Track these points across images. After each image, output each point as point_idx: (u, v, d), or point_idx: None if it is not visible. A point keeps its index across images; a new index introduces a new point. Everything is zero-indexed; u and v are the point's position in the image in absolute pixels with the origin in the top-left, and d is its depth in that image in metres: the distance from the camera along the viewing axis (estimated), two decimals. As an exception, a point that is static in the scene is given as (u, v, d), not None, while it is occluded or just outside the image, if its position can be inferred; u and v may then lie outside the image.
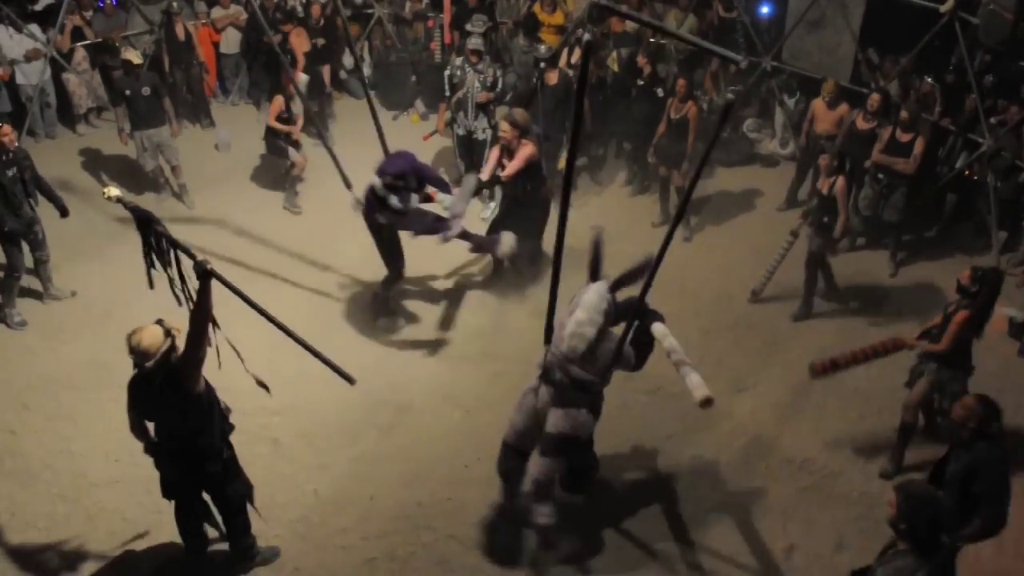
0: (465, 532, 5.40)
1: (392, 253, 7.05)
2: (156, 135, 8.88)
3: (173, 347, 4.33)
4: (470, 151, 9.07)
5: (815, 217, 7.33)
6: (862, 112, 8.34)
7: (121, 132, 8.97)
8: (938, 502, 3.69)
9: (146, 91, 8.66)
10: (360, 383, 6.50)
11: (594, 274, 5.18)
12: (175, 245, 4.54)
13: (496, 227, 7.46)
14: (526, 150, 7.11)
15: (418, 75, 11.26)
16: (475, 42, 8.90)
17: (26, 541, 5.27)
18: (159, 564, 5.15)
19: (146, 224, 4.54)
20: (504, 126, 7.13)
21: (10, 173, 6.81)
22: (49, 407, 6.32)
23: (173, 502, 4.81)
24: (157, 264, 4.61)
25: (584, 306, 4.90)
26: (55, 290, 7.57)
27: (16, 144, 6.98)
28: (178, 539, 5.15)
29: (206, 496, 4.84)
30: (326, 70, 10.90)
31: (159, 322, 4.36)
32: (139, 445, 5.65)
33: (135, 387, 4.44)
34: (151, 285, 4.65)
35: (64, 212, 7.35)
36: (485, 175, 7.34)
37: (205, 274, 4.24)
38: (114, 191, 4.81)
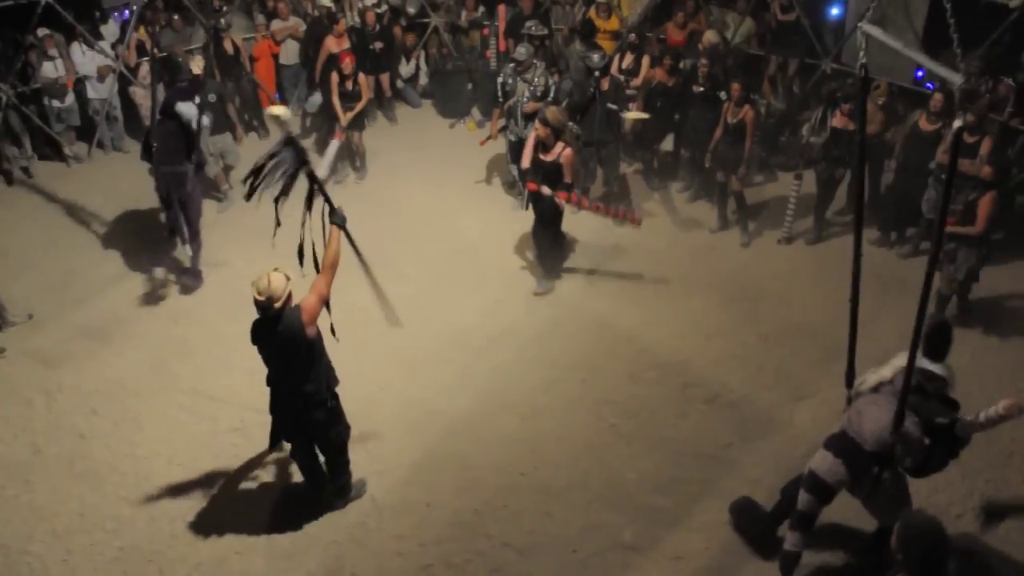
0: (520, 540, 5.38)
1: None
2: (220, 141, 9.21)
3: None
4: (521, 157, 9.09)
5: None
6: (925, 113, 8.13)
7: None
8: (941, 535, 3.52)
9: (212, 98, 8.89)
10: (415, 391, 6.63)
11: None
12: (321, 189, 5.04)
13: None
14: (566, 152, 7.42)
15: (474, 83, 11.32)
16: (519, 51, 8.93)
17: (94, 541, 5.43)
18: (218, 568, 5.25)
19: (300, 161, 4.89)
20: (537, 125, 7.48)
21: None
22: (115, 412, 6.49)
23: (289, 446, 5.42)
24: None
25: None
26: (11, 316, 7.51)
27: None
28: (238, 543, 5.27)
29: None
30: (384, 78, 11.05)
31: (276, 270, 4.81)
32: (201, 451, 5.84)
33: (258, 331, 4.90)
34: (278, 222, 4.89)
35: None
36: (524, 164, 7.82)
37: (342, 222, 5.08)
38: (279, 110, 5.33)
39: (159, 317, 7.64)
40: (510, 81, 8.92)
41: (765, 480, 5.80)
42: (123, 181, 9.85)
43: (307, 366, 4.94)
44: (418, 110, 11.83)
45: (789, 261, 8.48)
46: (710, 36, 9.74)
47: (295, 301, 4.87)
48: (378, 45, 10.79)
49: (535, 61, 9.05)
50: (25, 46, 9.88)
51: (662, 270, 8.26)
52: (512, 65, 9.00)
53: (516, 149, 9.02)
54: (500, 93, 9.07)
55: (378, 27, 10.88)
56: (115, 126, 10.67)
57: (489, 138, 9.64)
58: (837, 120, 8.37)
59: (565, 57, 10.75)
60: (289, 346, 4.84)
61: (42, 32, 9.72)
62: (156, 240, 8.57)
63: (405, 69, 11.37)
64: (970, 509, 5.55)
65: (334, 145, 7.55)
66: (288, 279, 4.79)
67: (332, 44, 10.35)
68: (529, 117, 8.87)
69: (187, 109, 7.49)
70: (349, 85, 9.56)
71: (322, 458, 5.44)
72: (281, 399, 5.12)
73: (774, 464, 5.95)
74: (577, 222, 9.21)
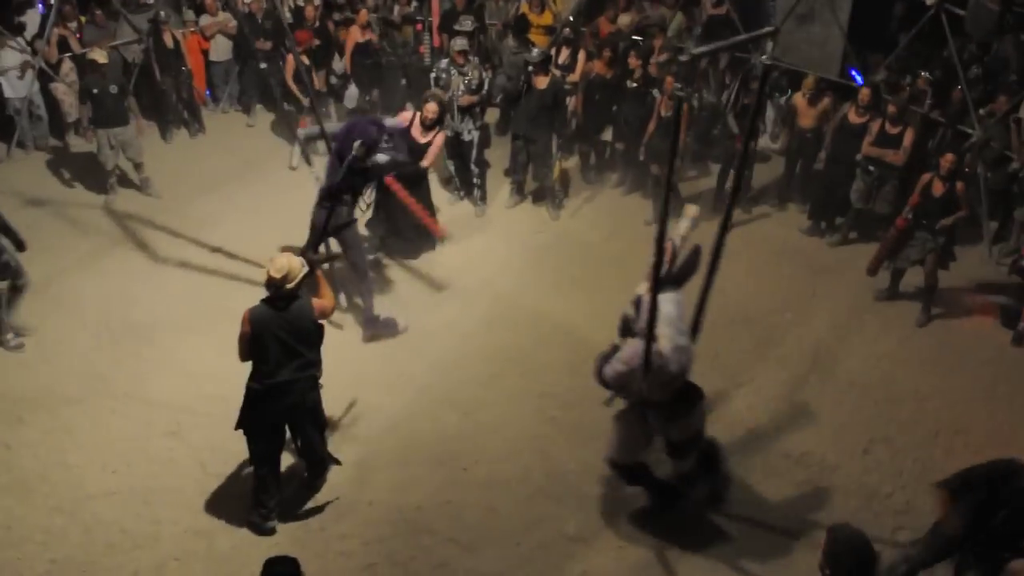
0: (464, 535, 5.39)
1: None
2: (121, 133, 8.98)
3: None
4: (458, 152, 9.10)
5: None
6: (854, 106, 8.37)
7: (86, 130, 9.25)
8: (867, 549, 3.45)
9: (113, 89, 8.80)
10: (355, 389, 6.58)
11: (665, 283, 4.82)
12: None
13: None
14: (439, 138, 8.02)
15: (408, 78, 11.24)
16: (460, 43, 8.92)
17: (23, 555, 5.24)
18: (158, 573, 5.13)
19: None
20: (429, 105, 7.82)
21: None
22: (45, 420, 6.28)
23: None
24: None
25: (673, 322, 4.76)
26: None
27: None
28: (177, 549, 5.16)
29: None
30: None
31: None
32: (136, 457, 5.68)
33: (263, 314, 5.00)
34: None
35: (21, 247, 6.94)
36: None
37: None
38: None
39: (87, 321, 7.41)
40: (444, 76, 8.90)
41: (703, 466, 5.91)
42: (45, 181, 9.56)
43: (313, 350, 5.20)
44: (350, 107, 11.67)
45: (723, 250, 8.61)
46: (623, 20, 9.89)
47: None
48: (315, 42, 10.64)
49: (470, 56, 9.04)
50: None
51: (598, 262, 8.35)
52: (446, 60, 8.98)
53: (452, 144, 9.00)
54: (433, 87, 9.03)
55: (316, 23, 10.73)
56: (39, 125, 10.30)
57: None
58: (751, 100, 8.64)
59: (499, 52, 10.78)
60: (299, 328, 5.06)
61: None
62: (80, 241, 8.33)
63: (339, 65, 11.20)
64: (899, 488, 5.74)
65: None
66: (303, 265, 5.06)
67: (357, 34, 10.35)
68: (464, 111, 8.86)
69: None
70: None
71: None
72: (274, 390, 5.11)
73: (712, 451, 6.06)
74: (513, 216, 9.27)
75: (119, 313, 7.43)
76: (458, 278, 8.10)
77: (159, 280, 7.86)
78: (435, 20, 10.97)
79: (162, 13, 10.27)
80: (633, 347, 4.77)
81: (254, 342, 5.04)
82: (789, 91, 10.10)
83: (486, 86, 9.09)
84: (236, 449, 5.56)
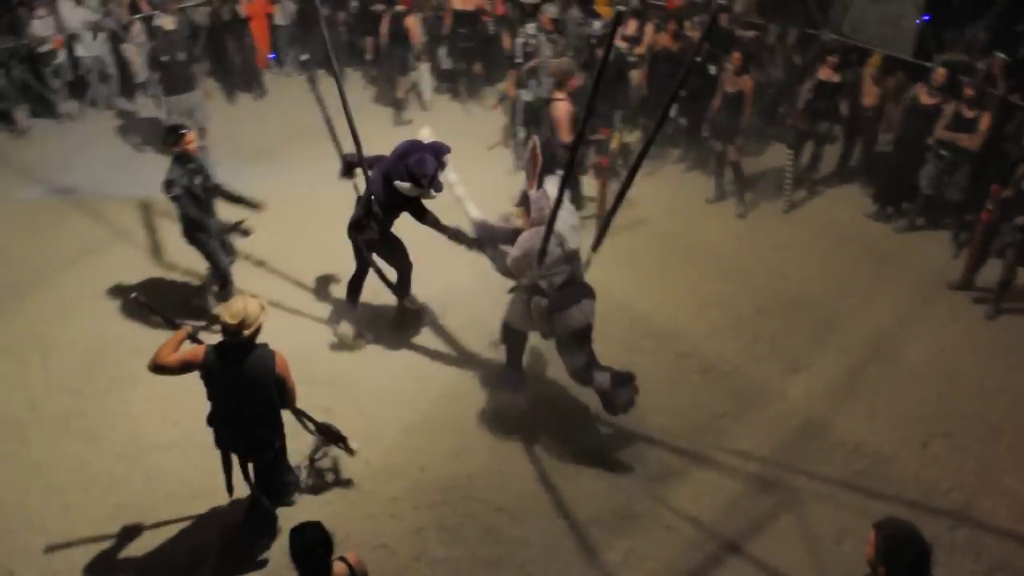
0: (513, 505, 5.43)
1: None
2: (188, 99, 9.03)
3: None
4: (536, 118, 9.05)
5: None
6: (925, 87, 8.10)
7: (154, 97, 9.29)
8: (922, 542, 3.31)
9: (181, 56, 8.84)
10: (411, 355, 6.64)
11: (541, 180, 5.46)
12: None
13: None
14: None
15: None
16: (552, 9, 8.89)
17: (89, 498, 5.45)
18: (214, 525, 5.27)
19: None
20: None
21: (197, 181, 6.46)
22: (112, 370, 6.48)
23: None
24: None
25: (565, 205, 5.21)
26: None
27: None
28: (233, 500, 5.29)
29: None
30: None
31: (253, 296, 4.52)
32: (196, 410, 5.80)
33: (216, 360, 4.44)
34: None
35: (256, 207, 6.78)
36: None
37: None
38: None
39: (155, 276, 7.59)
40: (532, 41, 8.83)
41: (757, 451, 5.87)
42: (114, 139, 9.78)
43: (264, 409, 4.57)
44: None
45: (785, 232, 8.49)
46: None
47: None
48: (379, 7, 10.66)
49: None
50: (13, 3, 9.72)
51: (657, 239, 8.27)
52: (533, 26, 8.91)
53: (530, 110, 8.99)
54: (520, 54, 8.97)
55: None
56: (110, 84, 10.52)
57: (504, 98, 9.59)
58: (822, 72, 8.48)
59: (563, 23, 10.65)
60: (251, 384, 4.43)
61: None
62: (145, 196, 8.56)
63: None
64: (958, 486, 5.62)
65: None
66: (263, 309, 4.43)
67: (458, 2, 10.27)
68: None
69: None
70: None
71: None
72: (224, 438, 4.73)
73: (766, 436, 6.00)
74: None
75: (188, 269, 7.57)
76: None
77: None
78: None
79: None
80: (530, 233, 5.35)
81: (204, 379, 4.52)
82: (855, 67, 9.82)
83: (567, 54, 9.02)
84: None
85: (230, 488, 4.91)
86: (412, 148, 6.00)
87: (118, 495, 5.47)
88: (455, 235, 6.18)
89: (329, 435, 5.27)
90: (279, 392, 4.56)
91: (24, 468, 5.67)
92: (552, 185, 5.26)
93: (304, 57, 11.22)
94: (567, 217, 5.28)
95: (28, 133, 9.98)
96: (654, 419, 6.08)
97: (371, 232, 6.32)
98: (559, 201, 4.98)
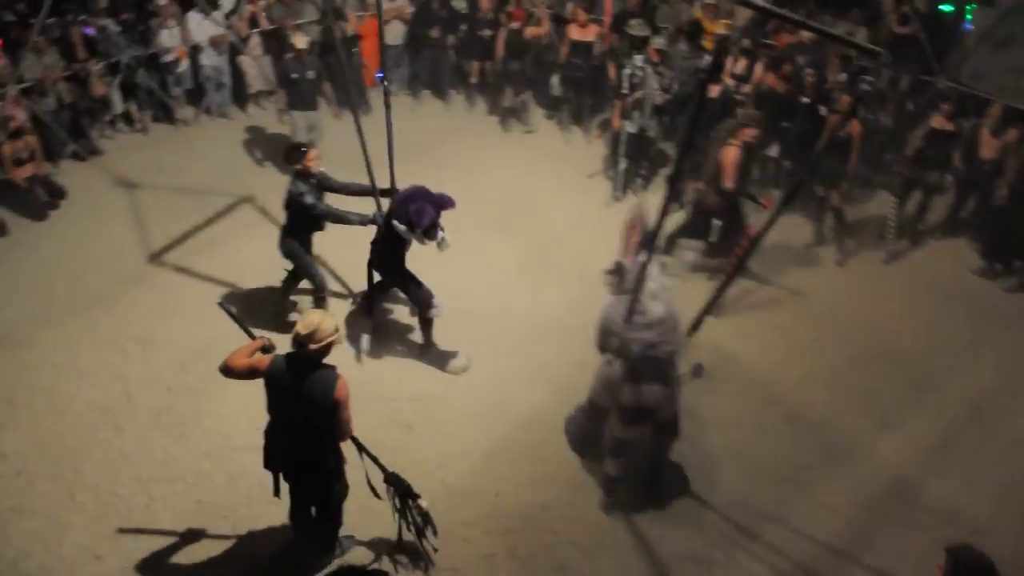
0: (586, 539, 5.37)
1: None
2: (313, 116, 9.37)
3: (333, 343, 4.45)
4: (640, 148, 9.17)
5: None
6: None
7: (281, 112, 9.56)
8: (992, 571, 3.27)
9: (310, 75, 9.15)
10: (494, 379, 6.66)
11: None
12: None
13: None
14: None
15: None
16: (659, 41, 8.91)
17: (174, 491, 5.64)
18: (285, 533, 5.36)
19: None
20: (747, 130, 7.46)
21: (310, 200, 6.53)
22: (203, 370, 6.68)
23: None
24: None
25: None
26: None
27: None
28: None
29: None
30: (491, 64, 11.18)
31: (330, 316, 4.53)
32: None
33: (280, 369, 4.46)
34: None
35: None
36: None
37: None
38: None
39: (251, 285, 7.80)
40: (639, 73, 8.85)
41: (842, 509, 5.65)
42: (225, 145, 10.18)
43: (317, 429, 4.54)
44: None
45: (885, 283, 8.20)
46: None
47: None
48: (487, 32, 10.85)
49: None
50: (146, 14, 10.27)
51: (751, 281, 8.10)
52: (640, 57, 8.92)
53: (632, 141, 9.03)
54: (626, 84, 8.99)
55: (491, 15, 10.94)
56: (223, 92, 10.98)
57: (606, 129, 9.63)
58: (936, 121, 8.23)
59: (670, 56, 10.61)
60: (308, 401, 4.41)
61: (162, 0, 10.09)
62: (250, 201, 8.85)
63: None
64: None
65: None
66: (337, 330, 4.45)
67: (575, 32, 10.32)
68: (658, 110, 8.84)
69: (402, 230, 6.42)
70: None
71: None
72: (275, 452, 4.75)
73: (853, 493, 5.78)
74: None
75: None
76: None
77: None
78: (607, 20, 10.93)
79: (340, -1, 10.78)
80: (612, 301, 5.23)
81: (266, 388, 4.55)
82: (972, 117, 9.46)
83: (673, 88, 9.04)
84: (372, 424, 5.76)
85: (277, 490, 4.87)
86: (418, 195, 6.23)
87: (201, 492, 5.64)
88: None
89: (399, 487, 4.98)
90: (333, 418, 4.50)
91: (117, 456, 5.91)
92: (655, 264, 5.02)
93: (379, 75, 11.45)
94: (651, 283, 5.05)
95: (148, 134, 10.48)
96: (735, 465, 5.92)
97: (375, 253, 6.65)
98: (644, 268, 4.83)
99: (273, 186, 9.32)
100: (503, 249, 8.34)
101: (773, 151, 9.39)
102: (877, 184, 9.54)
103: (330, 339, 4.39)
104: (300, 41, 9.17)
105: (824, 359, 7.08)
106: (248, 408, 6.25)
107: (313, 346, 4.35)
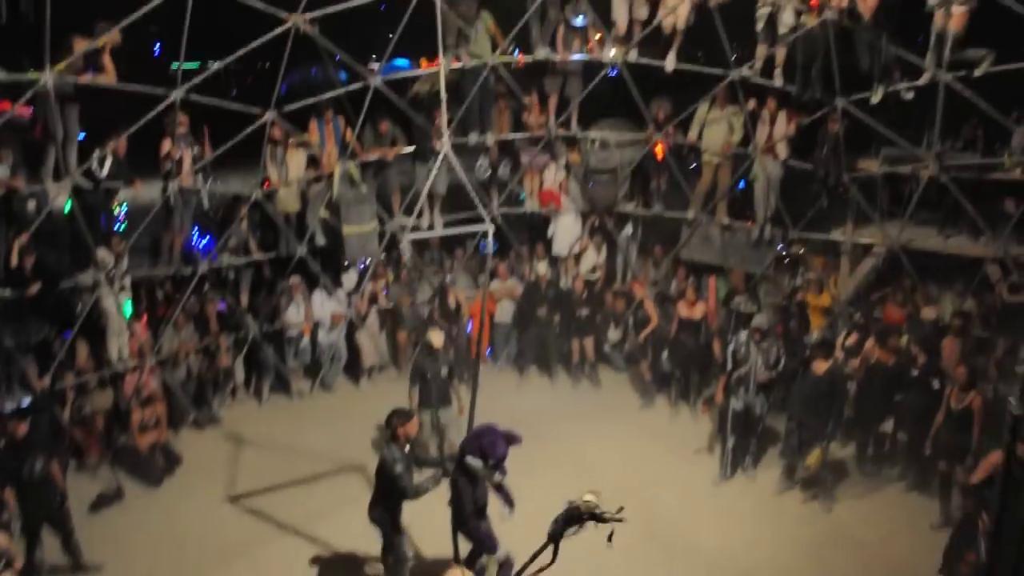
0: None
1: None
2: (444, 414, 9.00)
3: None
4: (747, 426, 9.01)
5: None
6: None
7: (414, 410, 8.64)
8: None
9: (444, 372, 8.93)
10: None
11: None
12: None
13: None
14: None
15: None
16: (760, 320, 9.04)
17: None
18: None
19: None
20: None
21: (399, 469, 6.58)
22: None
23: None
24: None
25: None
26: None
27: None
28: None
29: None
30: (588, 342, 11.55)
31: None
32: None
33: None
34: None
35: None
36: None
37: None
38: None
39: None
40: (742, 350, 8.95)
41: None
42: (336, 419, 10.48)
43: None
44: (621, 375, 11.87)
45: None
46: (928, 313, 9.44)
47: None
48: (584, 311, 11.29)
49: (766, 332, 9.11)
50: (278, 291, 11.20)
51: (874, 565, 7.49)
52: (745, 332, 9.08)
53: (738, 419, 8.94)
54: (730, 360, 9.09)
55: (586, 294, 11.46)
56: (336, 366, 11.53)
57: (711, 407, 9.61)
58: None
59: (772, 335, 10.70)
60: None
61: (293, 279, 11.02)
62: (359, 477, 8.94)
63: (613, 334, 11.69)
64: None
65: None
66: None
67: (684, 310, 10.67)
68: (762, 387, 8.82)
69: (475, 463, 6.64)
70: None
71: None
72: None
73: None
74: (782, 504, 8.70)
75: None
76: (718, 568, 7.58)
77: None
78: (711, 298, 11.19)
79: (448, 277, 11.54)
80: None
81: None
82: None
83: (781, 363, 9.05)
84: None
85: None
86: (488, 431, 6.55)
87: None
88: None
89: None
90: None
91: None
92: None
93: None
94: None
95: (263, 405, 10.97)
96: None
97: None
98: None
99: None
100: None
101: (888, 426, 9.05)
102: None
103: None
104: (437, 339, 8.93)
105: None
106: None
107: None
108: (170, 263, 10.44)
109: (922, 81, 9.59)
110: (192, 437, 10.12)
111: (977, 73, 9.20)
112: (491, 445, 6.39)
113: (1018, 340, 9.34)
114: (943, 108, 9.60)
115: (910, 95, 9.82)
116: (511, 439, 6.51)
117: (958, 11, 8.96)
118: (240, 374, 11.05)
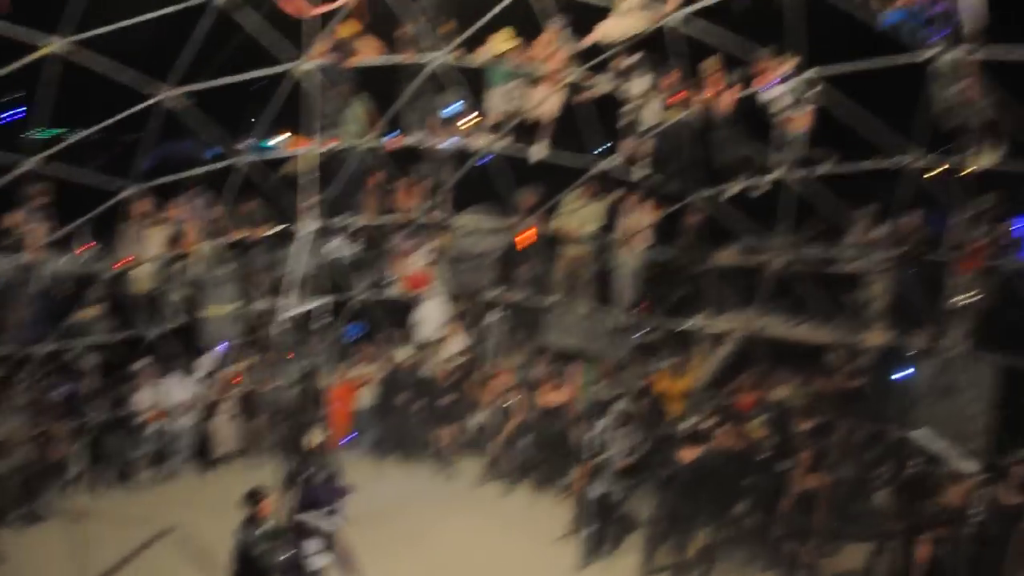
0: None
1: None
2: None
3: None
4: (605, 512, 9.03)
5: None
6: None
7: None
8: None
9: (322, 476, 8.34)
10: None
11: None
12: None
13: None
14: None
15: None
16: (618, 406, 9.45)
17: None
18: None
19: None
20: None
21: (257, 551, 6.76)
22: None
23: None
24: None
25: None
26: None
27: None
28: None
29: None
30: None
31: None
32: None
33: None
34: None
35: None
36: None
37: None
38: None
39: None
40: (602, 436, 9.09)
41: None
42: (181, 510, 9.87)
43: None
44: (482, 462, 11.47)
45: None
46: (775, 395, 9.78)
47: None
48: (446, 398, 11.27)
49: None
50: (126, 377, 10.61)
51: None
52: (605, 419, 9.18)
53: (596, 506, 8.93)
54: (590, 447, 9.17)
55: (449, 380, 11.46)
56: (185, 454, 10.93)
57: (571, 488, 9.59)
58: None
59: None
60: None
61: (142, 363, 10.49)
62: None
63: (475, 421, 11.60)
64: None
65: None
66: None
67: (545, 396, 10.68)
68: (621, 473, 8.87)
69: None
70: None
71: None
72: None
73: None
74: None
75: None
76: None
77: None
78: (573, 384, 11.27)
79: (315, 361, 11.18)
80: None
81: None
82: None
83: (641, 449, 9.21)
84: None
85: None
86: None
87: None
88: None
89: None
90: None
91: None
92: None
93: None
94: None
95: (99, 500, 10.23)
96: None
97: None
98: None
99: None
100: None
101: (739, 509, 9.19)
102: (848, 537, 9.14)
103: None
104: (316, 437, 8.68)
105: None
106: None
107: None
108: (4, 343, 9.78)
109: (769, 178, 10.20)
110: (17, 535, 9.36)
111: (819, 172, 9.89)
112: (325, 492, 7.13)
113: (858, 423, 9.77)
114: (795, 202, 10.20)
115: (758, 191, 10.42)
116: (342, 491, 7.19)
117: (800, 113, 9.68)
118: (81, 463, 10.30)
